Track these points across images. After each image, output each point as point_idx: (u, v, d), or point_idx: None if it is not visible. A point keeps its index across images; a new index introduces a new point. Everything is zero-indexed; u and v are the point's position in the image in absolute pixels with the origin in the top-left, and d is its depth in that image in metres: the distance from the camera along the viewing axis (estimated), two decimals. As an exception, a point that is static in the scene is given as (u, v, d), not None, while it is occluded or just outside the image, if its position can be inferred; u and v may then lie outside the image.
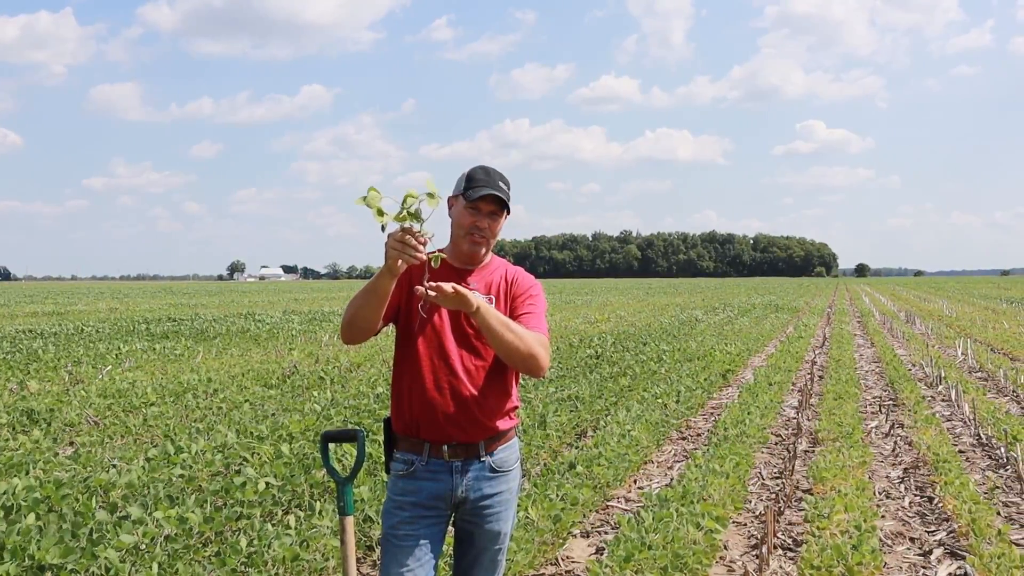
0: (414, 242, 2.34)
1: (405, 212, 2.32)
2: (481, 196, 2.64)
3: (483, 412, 2.66)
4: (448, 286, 2.40)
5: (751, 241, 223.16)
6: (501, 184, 2.68)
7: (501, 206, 2.68)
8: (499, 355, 2.58)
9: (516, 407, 2.82)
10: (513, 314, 2.69)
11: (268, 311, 30.71)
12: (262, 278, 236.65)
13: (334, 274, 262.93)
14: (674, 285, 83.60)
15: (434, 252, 2.41)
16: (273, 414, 8.10)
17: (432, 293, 2.41)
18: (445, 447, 2.65)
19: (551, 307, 32.23)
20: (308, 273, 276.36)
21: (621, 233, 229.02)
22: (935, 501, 5.73)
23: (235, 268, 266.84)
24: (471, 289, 2.68)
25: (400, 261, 2.36)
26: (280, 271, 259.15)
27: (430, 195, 2.32)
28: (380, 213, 2.30)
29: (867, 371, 12.59)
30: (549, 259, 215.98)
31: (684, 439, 7.90)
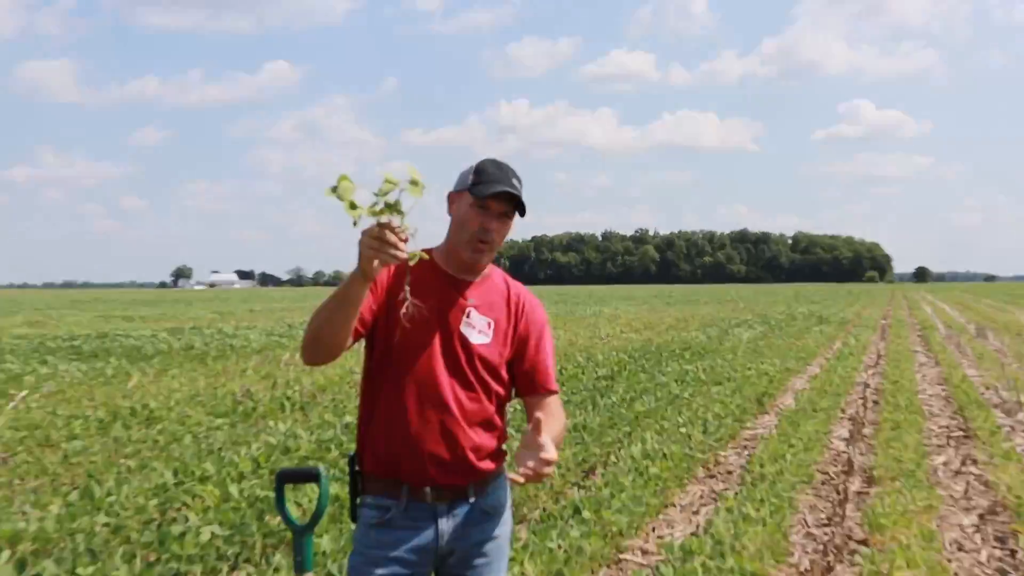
0: (393, 238, 2.30)
1: (383, 203, 2.29)
2: (494, 193, 2.63)
3: (474, 449, 2.67)
4: (538, 462, 2.41)
5: (789, 241, 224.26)
6: (515, 182, 2.68)
7: (515, 207, 2.68)
8: None
9: (506, 439, 2.84)
10: (522, 350, 2.76)
11: (219, 324, 30.67)
12: (212, 285, 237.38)
13: (298, 280, 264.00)
14: (699, 293, 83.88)
15: (416, 251, 2.39)
16: (220, 448, 8.04)
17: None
18: (428, 489, 2.64)
19: (551, 318, 32.22)
20: (267, 279, 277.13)
21: (636, 232, 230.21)
22: (1018, 554, 5.65)
23: (181, 274, 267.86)
24: (470, 307, 2.72)
25: (376, 261, 2.33)
26: (234, 277, 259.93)
27: (413, 183, 2.29)
28: (353, 207, 2.26)
29: (931, 395, 12.54)
30: (551, 262, 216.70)
31: (712, 477, 7.83)
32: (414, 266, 2.51)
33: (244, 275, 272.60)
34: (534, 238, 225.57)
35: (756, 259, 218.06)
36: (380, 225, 2.30)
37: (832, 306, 44.72)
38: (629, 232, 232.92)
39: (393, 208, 2.30)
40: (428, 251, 2.76)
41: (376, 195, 2.29)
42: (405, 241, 2.32)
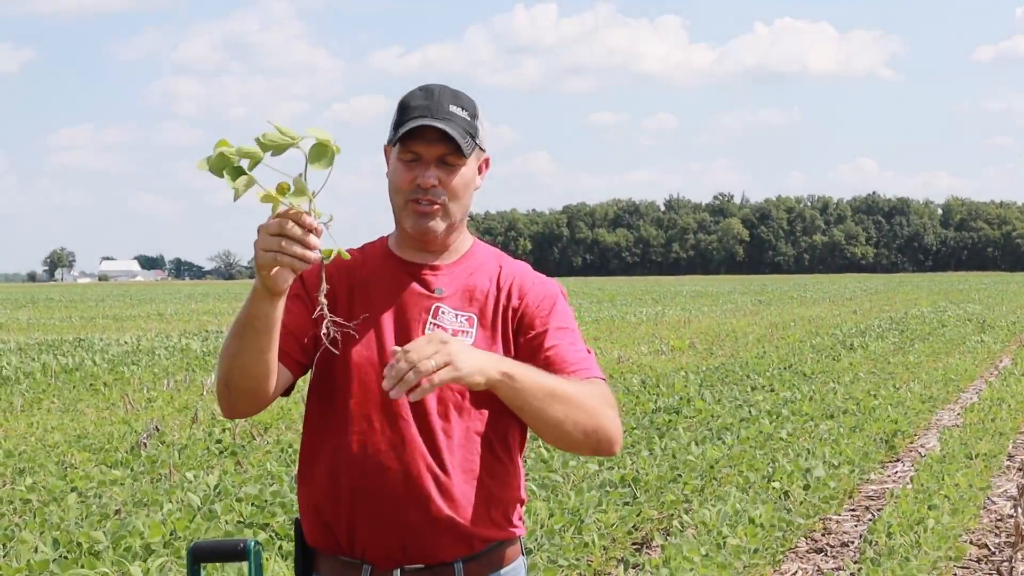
0: (297, 231, 2.33)
1: (282, 185, 2.32)
2: (414, 131, 2.66)
3: (462, 506, 2.70)
4: (420, 345, 2.38)
5: (939, 211, 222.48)
6: (453, 108, 2.70)
7: (455, 144, 2.68)
8: (542, 438, 2.67)
9: (521, 501, 2.85)
10: (529, 350, 2.73)
11: (113, 333, 30.87)
12: (104, 277, 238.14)
13: (227, 270, 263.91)
14: (805, 286, 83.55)
15: (331, 248, 2.43)
16: (118, 511, 8.15)
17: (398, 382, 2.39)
18: (397, 572, 2.69)
19: (591, 326, 32.23)
20: (183, 269, 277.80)
21: (715, 199, 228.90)
22: None
23: (57, 261, 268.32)
24: (437, 301, 2.73)
25: (277, 268, 2.37)
26: (135, 265, 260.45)
27: (320, 148, 2.32)
28: (236, 173, 2.29)
29: None
30: (591, 243, 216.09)
31: (819, 552, 7.92)
32: (349, 262, 2.56)
33: (149, 263, 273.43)
34: (567, 208, 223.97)
35: (890, 238, 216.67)
36: (279, 215, 2.32)
37: (1000, 306, 44.42)
38: (705, 199, 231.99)
39: (294, 189, 2.32)
40: (381, 240, 2.84)
41: (260, 144, 2.29)
42: (317, 232, 2.35)
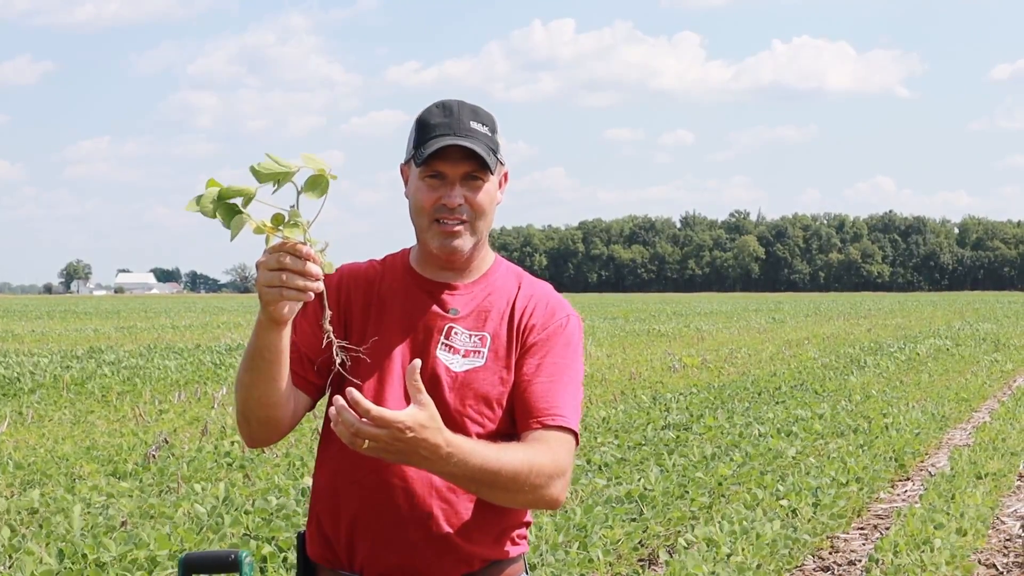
0: (298, 263, 2.34)
1: (276, 216, 2.33)
2: (438, 151, 2.66)
3: (461, 525, 2.70)
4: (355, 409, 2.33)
5: (955, 230, 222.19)
6: (474, 124, 2.70)
7: (480, 161, 2.69)
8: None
9: (527, 523, 2.84)
10: (517, 375, 2.72)
11: (127, 345, 30.96)
12: (119, 290, 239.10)
13: (243, 284, 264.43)
14: (821, 304, 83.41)
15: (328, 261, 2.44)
16: (125, 523, 8.16)
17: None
18: None
19: (604, 342, 32.18)
20: (199, 282, 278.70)
21: (731, 216, 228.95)
22: None
23: (74, 274, 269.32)
24: (451, 321, 2.72)
25: (281, 303, 2.40)
26: (150, 278, 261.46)
27: (315, 180, 2.32)
28: (229, 213, 2.30)
29: None
30: (607, 259, 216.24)
31: (826, 570, 7.91)
32: (369, 275, 2.57)
33: (165, 276, 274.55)
34: (582, 224, 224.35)
35: (905, 256, 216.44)
36: (274, 249, 2.34)
37: (1015, 325, 44.32)
38: (721, 216, 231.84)
39: (288, 220, 2.34)
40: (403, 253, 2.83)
41: (255, 173, 2.29)
42: (314, 262, 2.37)
